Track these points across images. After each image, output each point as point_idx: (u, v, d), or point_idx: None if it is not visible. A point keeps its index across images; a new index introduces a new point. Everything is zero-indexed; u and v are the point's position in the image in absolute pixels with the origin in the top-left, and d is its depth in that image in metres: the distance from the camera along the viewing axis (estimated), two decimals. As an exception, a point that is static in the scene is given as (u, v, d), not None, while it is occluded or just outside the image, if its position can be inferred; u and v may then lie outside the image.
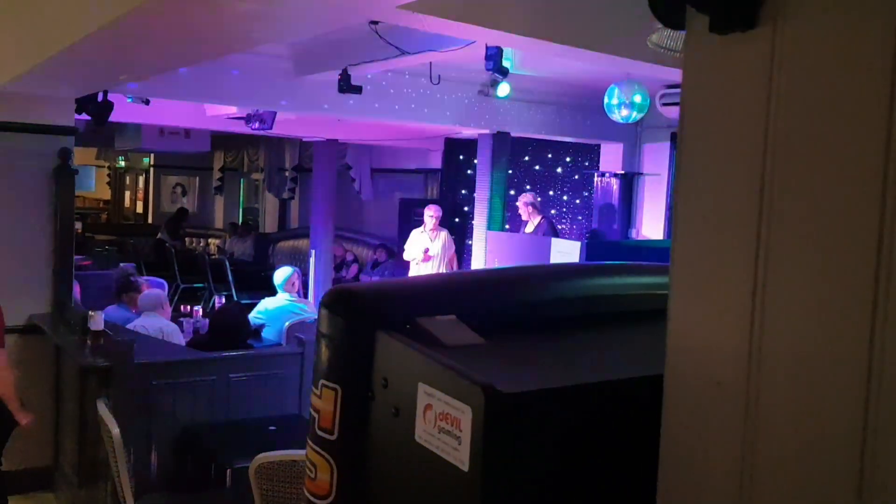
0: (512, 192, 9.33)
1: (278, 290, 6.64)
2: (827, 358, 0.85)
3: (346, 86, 6.08)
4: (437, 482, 1.05)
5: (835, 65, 0.85)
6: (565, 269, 1.88)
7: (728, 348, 0.94)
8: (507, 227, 8.58)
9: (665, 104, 7.09)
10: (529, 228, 8.27)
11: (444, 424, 1.03)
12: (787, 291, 0.89)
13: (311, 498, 1.23)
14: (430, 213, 8.44)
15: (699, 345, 0.97)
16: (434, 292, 1.36)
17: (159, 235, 13.71)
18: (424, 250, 8.30)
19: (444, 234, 8.50)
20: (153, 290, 5.94)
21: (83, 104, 5.44)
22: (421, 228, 8.55)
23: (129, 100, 6.59)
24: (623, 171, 8.89)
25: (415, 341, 1.14)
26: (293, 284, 6.66)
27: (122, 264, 7.27)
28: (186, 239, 14.93)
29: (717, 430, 0.94)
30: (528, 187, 9.89)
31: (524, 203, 8.31)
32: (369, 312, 1.21)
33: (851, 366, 0.83)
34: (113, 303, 5.89)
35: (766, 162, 0.91)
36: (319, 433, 1.22)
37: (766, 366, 0.90)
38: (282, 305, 6.51)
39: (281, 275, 6.67)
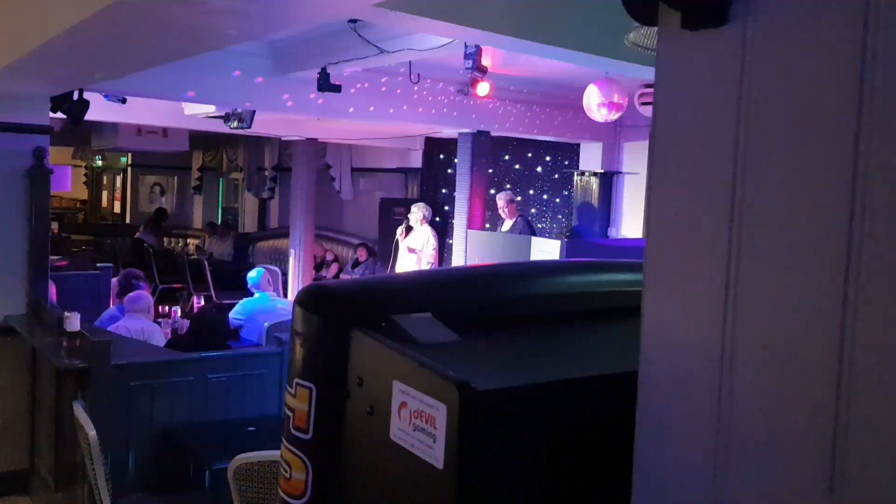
0: (492, 192, 9.35)
1: (254, 290, 6.61)
2: (799, 351, 0.86)
3: (325, 84, 6.06)
4: (412, 480, 1.05)
5: (804, 61, 0.86)
6: (540, 267, 1.88)
7: (701, 342, 0.94)
8: (487, 226, 8.60)
9: (644, 103, 7.12)
10: (506, 227, 8.30)
11: (418, 422, 1.02)
12: (759, 285, 0.90)
13: (286, 498, 1.23)
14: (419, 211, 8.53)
15: (673, 339, 0.98)
16: (409, 290, 1.36)
17: (138, 235, 13.57)
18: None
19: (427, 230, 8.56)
20: (142, 292, 5.91)
21: (58, 103, 5.38)
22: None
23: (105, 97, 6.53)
24: (602, 170, 8.93)
25: (390, 339, 1.13)
26: (268, 282, 6.63)
27: (123, 270, 7.23)
28: (165, 239, 14.82)
29: (690, 423, 0.94)
30: (507, 186, 9.92)
31: (506, 200, 8.33)
32: (344, 310, 1.21)
33: (823, 359, 0.83)
34: (115, 303, 5.89)
35: (737, 157, 0.91)
36: (294, 432, 1.21)
37: (738, 359, 0.90)
38: (261, 305, 6.48)
39: (253, 277, 6.65)
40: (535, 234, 8.24)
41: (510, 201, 8.39)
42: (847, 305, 0.82)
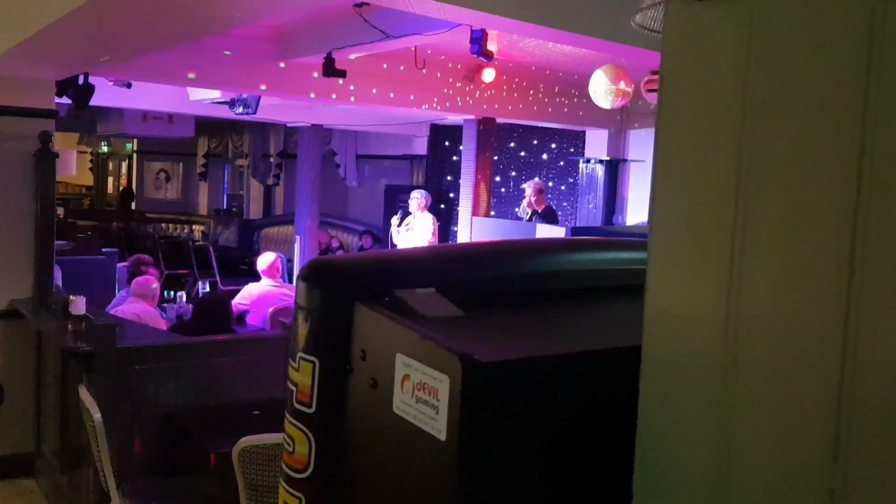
0: (497, 179, 9.32)
1: (262, 275, 6.61)
2: (803, 323, 0.85)
3: (330, 70, 6.04)
4: (414, 452, 1.05)
5: (811, 27, 0.85)
6: (545, 244, 1.87)
7: (705, 316, 0.93)
8: (492, 213, 8.58)
9: (650, 90, 7.09)
10: (530, 217, 8.17)
11: (421, 394, 1.02)
12: (764, 258, 0.89)
13: (289, 472, 1.23)
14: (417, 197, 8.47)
15: (676, 313, 0.97)
16: (413, 265, 1.36)
17: (115, 224, 13.37)
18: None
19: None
20: (148, 277, 5.91)
21: (64, 87, 5.39)
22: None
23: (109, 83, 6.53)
24: (608, 158, 8.91)
25: (393, 313, 1.13)
26: (277, 270, 6.64)
27: (136, 255, 7.23)
28: (171, 226, 14.82)
29: (694, 397, 0.94)
30: (513, 173, 9.90)
31: (534, 190, 8.14)
32: (348, 284, 1.20)
33: (828, 331, 0.83)
34: (124, 289, 5.93)
35: (743, 127, 0.90)
36: (297, 406, 1.21)
37: (742, 333, 0.90)
38: (266, 291, 6.49)
39: (264, 260, 6.65)
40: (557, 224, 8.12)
41: (538, 191, 8.16)
42: (853, 275, 0.82)
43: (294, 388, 1.22)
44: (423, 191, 8.63)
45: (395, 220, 8.56)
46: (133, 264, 6.33)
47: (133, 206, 16.04)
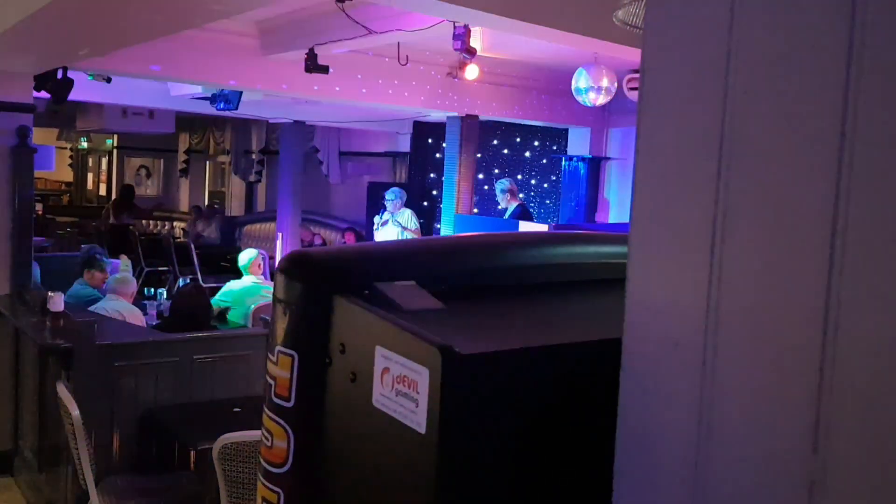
0: (481, 176, 9.31)
1: (243, 272, 6.57)
2: (783, 315, 0.85)
3: (313, 65, 6.01)
4: (394, 446, 1.04)
5: (793, 16, 0.85)
6: (526, 238, 1.87)
7: (686, 308, 0.93)
8: (475, 210, 8.58)
9: (632, 88, 7.11)
10: (505, 215, 8.25)
11: (401, 387, 1.01)
12: (744, 250, 0.89)
13: (268, 466, 1.21)
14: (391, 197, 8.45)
15: (657, 304, 0.97)
16: (393, 258, 1.34)
17: (113, 221, 13.31)
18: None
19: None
20: (124, 273, 5.85)
21: (42, 81, 5.33)
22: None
23: (89, 77, 6.46)
24: (591, 156, 8.93)
25: (373, 306, 1.12)
26: (258, 266, 6.59)
27: (83, 245, 7.17)
28: (151, 222, 14.69)
29: (673, 389, 0.94)
30: (496, 171, 9.90)
31: (502, 190, 8.25)
32: (327, 277, 1.19)
33: (808, 323, 0.83)
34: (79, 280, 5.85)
35: (725, 117, 0.90)
36: (276, 400, 1.20)
37: (723, 324, 0.90)
38: (247, 287, 6.44)
39: (246, 257, 6.61)
40: (532, 221, 8.18)
41: (510, 189, 8.27)
42: (833, 267, 0.81)
43: (272, 383, 1.20)
44: (397, 189, 8.58)
45: (377, 219, 8.55)
46: (86, 254, 6.25)
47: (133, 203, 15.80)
